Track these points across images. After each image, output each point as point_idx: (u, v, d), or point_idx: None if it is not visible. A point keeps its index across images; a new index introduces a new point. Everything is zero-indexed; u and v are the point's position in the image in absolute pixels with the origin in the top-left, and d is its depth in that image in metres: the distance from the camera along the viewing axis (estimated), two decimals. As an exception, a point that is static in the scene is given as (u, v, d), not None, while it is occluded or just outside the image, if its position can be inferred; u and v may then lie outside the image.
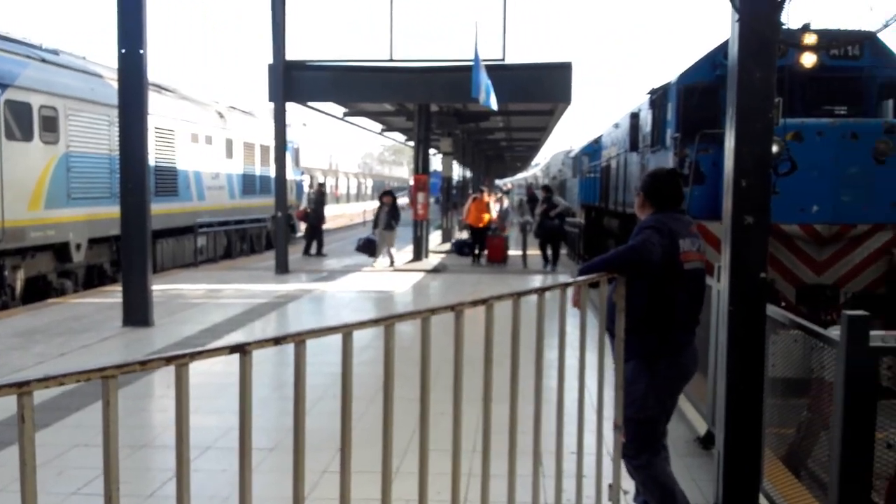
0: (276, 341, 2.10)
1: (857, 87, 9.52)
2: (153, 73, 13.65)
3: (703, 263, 3.95)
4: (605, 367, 3.76)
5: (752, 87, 3.73)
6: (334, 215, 39.23)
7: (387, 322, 2.48)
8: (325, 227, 21.78)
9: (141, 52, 9.73)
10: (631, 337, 3.75)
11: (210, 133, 19.65)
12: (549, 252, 17.40)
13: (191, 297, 12.60)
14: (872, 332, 3.27)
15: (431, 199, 24.09)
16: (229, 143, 20.93)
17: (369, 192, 69.99)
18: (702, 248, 3.96)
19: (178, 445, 2.01)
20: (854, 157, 8.47)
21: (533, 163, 64.33)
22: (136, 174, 9.91)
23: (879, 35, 9.07)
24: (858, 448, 3.21)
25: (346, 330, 2.32)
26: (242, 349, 2.02)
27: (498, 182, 62.20)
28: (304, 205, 23.72)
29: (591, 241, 17.84)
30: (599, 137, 19.54)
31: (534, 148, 46.25)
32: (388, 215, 17.24)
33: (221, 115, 20.86)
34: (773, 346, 4.23)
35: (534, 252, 18.34)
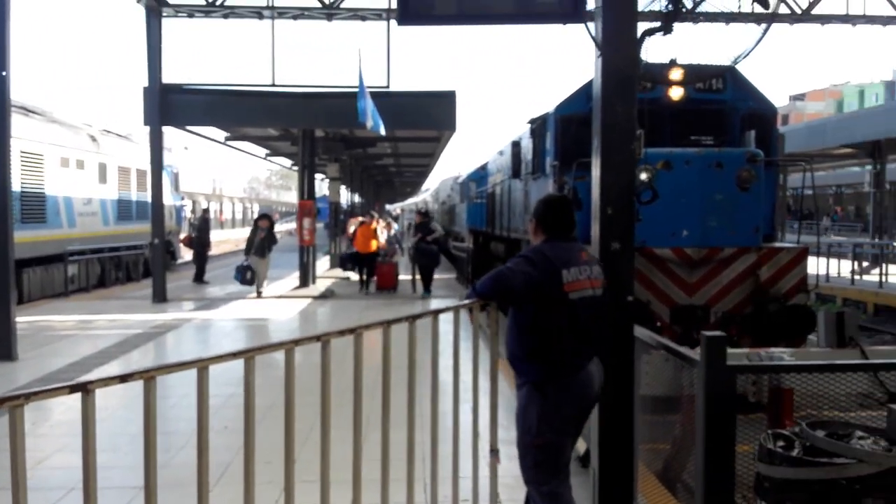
0: (122, 379, 1.99)
1: (721, 118, 10.07)
2: (21, 95, 12.93)
3: (598, 290, 3.86)
4: (479, 391, 3.78)
5: (614, 120, 3.86)
6: (219, 241, 38.17)
7: (246, 355, 2.38)
8: (209, 253, 21.14)
9: (3, 73, 9.31)
10: (523, 363, 3.76)
11: (82, 157, 18.80)
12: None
13: (60, 329, 11.94)
14: (733, 351, 3.43)
15: (320, 225, 23.78)
16: (103, 167, 20.08)
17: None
18: (595, 274, 3.86)
19: (15, 494, 1.87)
20: (719, 185, 8.91)
21: (423, 188, 64.77)
22: (-3, 200, 9.37)
23: (740, 69, 9.67)
24: (720, 460, 3.35)
25: (202, 364, 2.22)
26: (84, 388, 1.90)
27: (388, 207, 62.20)
28: (185, 231, 22.91)
29: (479, 265, 18.01)
30: (486, 164, 19.83)
31: (423, 174, 46.63)
32: (264, 241, 16.59)
33: (94, 139, 19.99)
34: (645, 366, 4.34)
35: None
